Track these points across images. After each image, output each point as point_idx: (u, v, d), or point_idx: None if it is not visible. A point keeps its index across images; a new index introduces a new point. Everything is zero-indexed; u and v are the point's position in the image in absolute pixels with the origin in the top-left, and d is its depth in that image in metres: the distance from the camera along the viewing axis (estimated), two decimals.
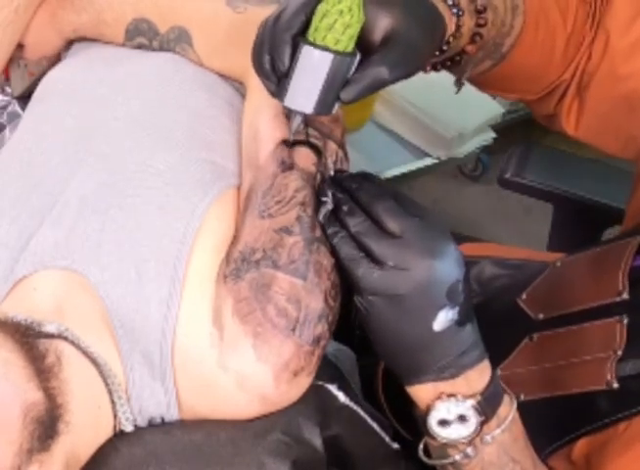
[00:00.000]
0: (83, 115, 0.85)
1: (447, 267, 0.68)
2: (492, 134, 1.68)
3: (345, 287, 0.73)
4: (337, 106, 0.68)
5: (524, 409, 0.74)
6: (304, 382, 0.73)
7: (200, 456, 0.70)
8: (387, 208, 0.68)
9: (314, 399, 0.76)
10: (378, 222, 0.68)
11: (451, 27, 0.74)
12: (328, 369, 0.81)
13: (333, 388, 0.81)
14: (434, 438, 0.72)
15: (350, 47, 0.65)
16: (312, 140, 0.79)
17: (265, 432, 0.72)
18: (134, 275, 0.73)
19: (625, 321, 0.80)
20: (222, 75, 0.91)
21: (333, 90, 0.66)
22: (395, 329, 0.69)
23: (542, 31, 0.86)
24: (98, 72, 0.91)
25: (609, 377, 0.78)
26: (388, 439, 0.85)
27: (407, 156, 1.60)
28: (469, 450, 0.71)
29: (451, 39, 0.75)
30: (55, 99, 0.89)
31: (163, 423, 0.73)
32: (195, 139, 0.82)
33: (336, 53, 0.64)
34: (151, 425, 0.73)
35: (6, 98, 1.06)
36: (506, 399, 0.73)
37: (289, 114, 0.75)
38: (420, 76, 0.74)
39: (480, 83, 0.91)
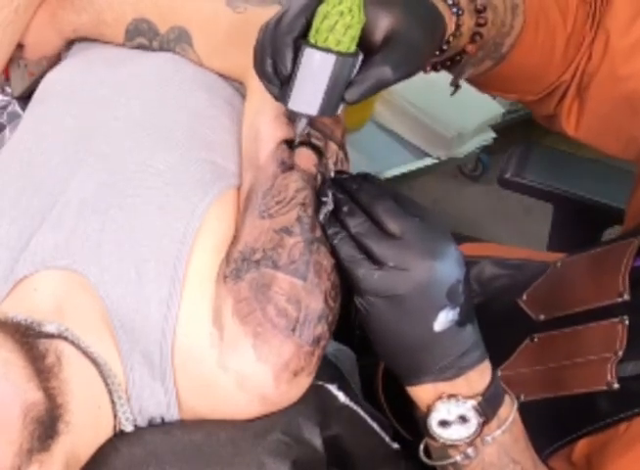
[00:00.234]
0: (83, 115, 0.85)
1: (447, 268, 0.68)
2: (492, 134, 1.68)
3: (345, 287, 0.73)
4: (341, 107, 0.68)
5: (524, 410, 0.74)
6: (304, 382, 0.73)
7: (200, 456, 0.70)
8: (387, 208, 0.68)
9: (314, 399, 0.76)
10: (378, 223, 0.68)
11: (451, 27, 0.74)
12: (328, 369, 0.81)
13: (333, 388, 0.80)
14: (434, 438, 0.72)
15: (352, 48, 0.65)
16: (314, 141, 0.79)
17: (265, 432, 0.72)
18: (134, 275, 0.73)
19: (626, 322, 0.80)
20: (222, 76, 0.91)
21: (337, 91, 0.66)
22: (396, 330, 0.69)
23: (542, 31, 0.86)
24: (98, 74, 0.90)
25: (609, 378, 0.78)
26: (388, 439, 0.85)
27: (407, 156, 1.60)
28: (469, 451, 0.71)
29: (451, 39, 0.75)
30: (55, 100, 0.89)
31: (163, 423, 0.73)
32: (195, 139, 0.82)
33: (338, 54, 0.64)
34: (151, 425, 0.73)
35: (6, 98, 1.06)
36: (507, 399, 0.73)
37: (293, 117, 0.74)
38: (420, 76, 0.74)
39: (480, 84, 0.91)
